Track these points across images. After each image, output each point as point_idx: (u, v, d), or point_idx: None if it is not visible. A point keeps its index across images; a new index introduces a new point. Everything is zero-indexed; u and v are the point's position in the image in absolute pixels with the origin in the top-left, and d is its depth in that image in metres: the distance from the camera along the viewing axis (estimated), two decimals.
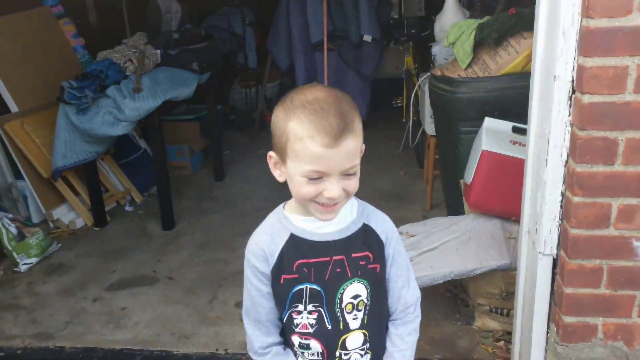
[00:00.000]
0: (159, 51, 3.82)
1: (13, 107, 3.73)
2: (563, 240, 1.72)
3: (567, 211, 1.69)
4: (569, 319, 1.74)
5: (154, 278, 3.15)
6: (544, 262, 1.80)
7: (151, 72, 3.66)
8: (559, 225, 1.74)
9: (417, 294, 1.31)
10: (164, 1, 4.25)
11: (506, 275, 2.38)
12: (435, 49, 3.47)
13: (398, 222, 3.43)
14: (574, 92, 1.61)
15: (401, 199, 3.88)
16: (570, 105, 1.63)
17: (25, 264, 3.27)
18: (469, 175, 2.57)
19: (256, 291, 1.24)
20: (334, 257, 1.19)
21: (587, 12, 1.51)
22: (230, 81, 6.04)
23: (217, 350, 2.50)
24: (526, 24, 2.62)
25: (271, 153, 1.17)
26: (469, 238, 2.51)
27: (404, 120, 4.79)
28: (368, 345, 1.25)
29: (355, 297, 1.21)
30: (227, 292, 2.97)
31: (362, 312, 1.22)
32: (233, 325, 2.67)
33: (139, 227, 3.82)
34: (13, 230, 3.31)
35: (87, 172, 3.72)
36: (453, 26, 2.88)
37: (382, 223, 1.25)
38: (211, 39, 4.59)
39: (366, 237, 1.22)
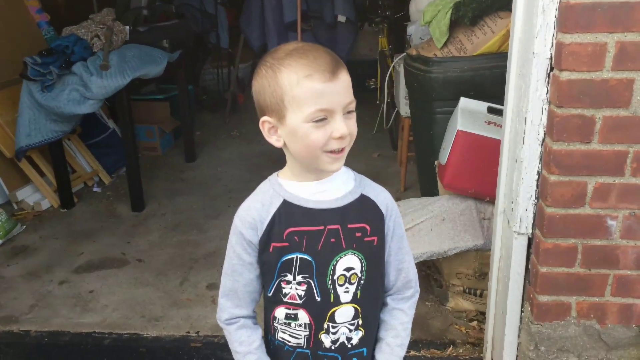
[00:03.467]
0: (127, 28, 3.69)
1: None
2: (539, 219, 1.72)
3: (543, 190, 1.68)
4: (543, 298, 1.75)
5: (123, 260, 3.08)
6: (519, 241, 1.80)
7: (119, 49, 3.54)
8: (535, 204, 1.73)
9: (415, 268, 1.28)
10: None
11: (480, 256, 2.38)
12: (411, 29, 3.43)
13: None
14: (552, 69, 1.60)
15: (375, 181, 3.84)
16: (548, 83, 1.62)
17: None
18: (444, 156, 2.55)
19: (238, 259, 1.18)
20: (329, 226, 1.14)
21: None
22: (201, 61, 5.93)
23: (188, 332, 2.45)
24: (502, 4, 2.60)
25: (264, 118, 1.11)
26: (443, 219, 2.50)
27: (377, 102, 4.76)
28: (360, 321, 1.20)
29: (348, 269, 1.16)
30: (198, 274, 2.91)
31: (355, 285, 1.17)
32: (205, 307, 2.62)
33: (108, 209, 3.73)
34: None
35: (53, 152, 3.60)
36: (429, 5, 2.84)
37: (381, 194, 1.20)
38: (182, 17, 4.48)
39: (364, 208, 1.16)
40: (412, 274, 1.26)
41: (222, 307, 1.23)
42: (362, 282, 1.18)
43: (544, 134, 1.66)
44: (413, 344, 2.31)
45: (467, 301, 2.47)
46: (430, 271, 2.63)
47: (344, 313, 1.18)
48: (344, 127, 1.05)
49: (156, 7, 4.26)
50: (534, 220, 1.75)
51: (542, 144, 1.67)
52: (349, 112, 1.07)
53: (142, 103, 4.65)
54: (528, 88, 1.65)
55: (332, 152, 1.07)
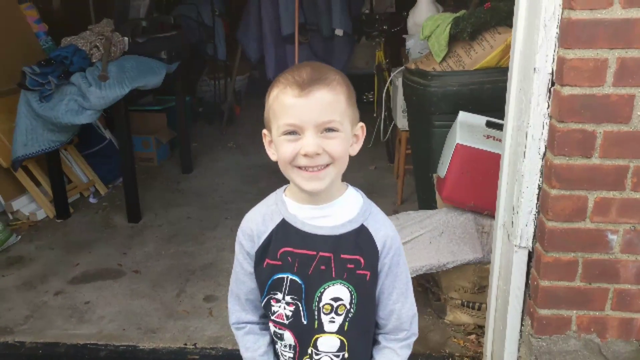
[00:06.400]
0: (126, 39, 3.70)
1: None
2: (539, 233, 1.72)
3: (543, 204, 1.69)
4: (543, 312, 1.75)
5: (119, 271, 3.06)
6: (520, 255, 1.80)
7: (118, 59, 3.55)
8: (535, 218, 1.74)
9: (414, 311, 1.21)
10: None
11: (479, 269, 2.38)
12: (410, 43, 3.45)
13: None
14: (553, 84, 1.61)
15: (371, 194, 3.81)
16: (549, 98, 1.63)
17: None
18: (443, 169, 2.56)
19: (240, 268, 1.21)
20: (321, 253, 1.12)
21: (569, 3, 1.51)
22: (198, 73, 5.94)
23: (185, 344, 2.43)
24: (501, 19, 2.63)
25: (264, 131, 1.14)
26: (442, 232, 2.51)
27: (374, 115, 4.78)
28: (346, 354, 1.17)
29: (336, 299, 1.13)
30: (195, 285, 2.90)
31: (342, 317, 1.14)
32: (202, 319, 2.60)
33: (104, 220, 3.71)
34: None
35: (50, 162, 3.58)
36: (429, 19, 2.86)
37: (383, 229, 1.15)
38: (179, 28, 4.48)
39: (361, 240, 1.13)
40: (406, 316, 1.19)
41: (230, 310, 1.26)
42: (350, 314, 1.15)
43: (545, 148, 1.67)
44: (411, 358, 2.30)
45: (465, 314, 2.47)
46: (429, 284, 2.63)
47: (327, 342, 1.16)
48: (312, 145, 1.02)
49: (155, 18, 4.26)
50: (534, 234, 1.75)
51: (543, 158, 1.68)
52: (328, 131, 1.04)
53: (139, 114, 4.65)
54: (529, 103, 1.67)
55: (303, 169, 1.06)
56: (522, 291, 1.83)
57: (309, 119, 1.03)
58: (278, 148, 1.07)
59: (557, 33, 1.57)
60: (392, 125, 4.12)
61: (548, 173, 1.65)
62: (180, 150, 4.54)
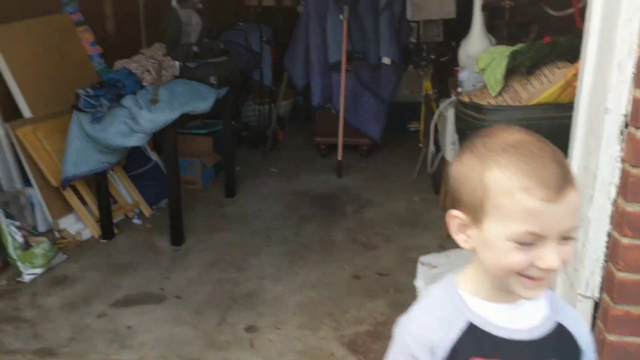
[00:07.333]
0: (177, 63, 3.75)
1: (27, 113, 3.65)
2: (607, 283, 1.62)
3: (613, 253, 1.59)
4: None
5: (161, 296, 3.05)
6: (584, 305, 1.70)
7: (169, 84, 3.59)
8: (603, 267, 1.64)
9: None
10: (184, 13, 4.20)
11: None
12: (463, 75, 3.39)
13: (414, 250, 3.28)
14: (626, 126, 1.53)
15: (415, 226, 3.77)
16: (622, 140, 1.54)
17: (29, 274, 3.17)
18: None
19: None
20: None
21: None
22: (243, 97, 5.99)
23: None
24: (561, 54, 2.54)
25: (455, 212, 0.93)
26: None
27: (420, 145, 4.71)
28: None
29: None
30: (236, 315, 2.86)
31: None
32: (243, 350, 2.56)
33: (147, 242, 3.72)
34: (19, 238, 3.21)
35: (98, 182, 3.63)
36: (484, 52, 2.80)
37: (581, 327, 1.01)
38: (228, 53, 4.53)
39: (560, 341, 0.96)
40: None
41: None
42: None
43: (616, 193, 1.58)
44: None
45: None
46: None
47: None
48: (555, 259, 0.85)
49: (205, 43, 4.31)
50: (601, 284, 1.65)
51: (613, 204, 1.59)
52: (566, 239, 0.87)
53: (186, 137, 4.68)
54: (599, 145, 1.58)
55: (527, 277, 0.88)
56: None
57: (556, 229, 0.86)
58: (502, 255, 0.88)
59: (632, 73, 1.49)
60: (439, 156, 4.05)
61: (619, 220, 1.56)
62: (225, 174, 4.55)
